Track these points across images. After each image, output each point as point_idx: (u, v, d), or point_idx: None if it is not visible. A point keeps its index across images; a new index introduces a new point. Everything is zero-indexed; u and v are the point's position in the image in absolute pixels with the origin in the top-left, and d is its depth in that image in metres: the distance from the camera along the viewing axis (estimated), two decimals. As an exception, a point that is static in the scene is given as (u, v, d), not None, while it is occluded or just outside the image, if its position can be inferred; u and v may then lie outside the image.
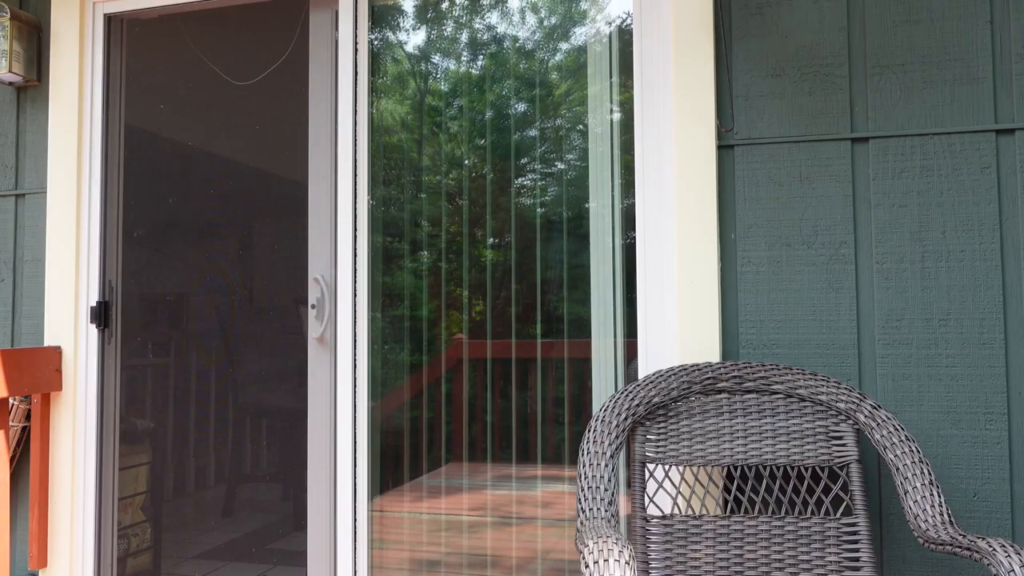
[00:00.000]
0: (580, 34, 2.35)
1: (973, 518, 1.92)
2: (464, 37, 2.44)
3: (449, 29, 2.45)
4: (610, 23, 2.32)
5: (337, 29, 2.47)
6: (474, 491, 2.36)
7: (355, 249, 2.42)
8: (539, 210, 2.34)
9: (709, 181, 2.08)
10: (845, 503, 1.91)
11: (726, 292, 2.09)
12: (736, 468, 2.00)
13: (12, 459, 2.57)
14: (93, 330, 2.63)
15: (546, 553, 2.29)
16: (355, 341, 2.40)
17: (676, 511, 1.90)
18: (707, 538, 1.85)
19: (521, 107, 2.38)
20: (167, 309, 2.74)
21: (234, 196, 2.71)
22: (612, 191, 2.27)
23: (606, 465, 1.79)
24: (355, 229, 2.42)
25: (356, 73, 2.45)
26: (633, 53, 2.23)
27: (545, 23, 2.39)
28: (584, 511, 1.72)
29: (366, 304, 2.41)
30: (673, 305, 2.13)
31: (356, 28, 2.45)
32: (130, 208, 2.76)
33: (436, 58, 2.46)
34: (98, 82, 2.65)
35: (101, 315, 2.64)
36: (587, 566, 1.41)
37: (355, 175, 2.43)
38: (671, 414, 1.93)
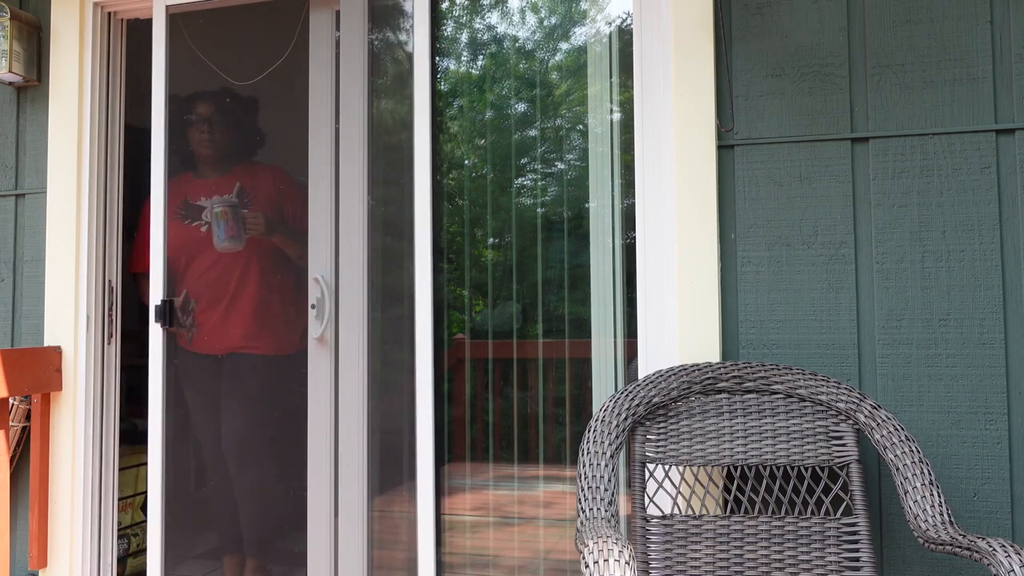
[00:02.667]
0: (580, 34, 2.35)
1: (973, 518, 1.92)
2: (464, 37, 2.44)
3: (449, 29, 2.45)
4: (610, 23, 2.32)
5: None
6: (474, 491, 2.36)
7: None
8: (539, 210, 2.34)
9: (709, 181, 2.08)
10: (845, 503, 1.91)
11: (726, 292, 2.09)
12: (736, 468, 2.00)
13: (12, 459, 2.57)
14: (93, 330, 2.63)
15: (547, 553, 2.29)
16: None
17: (676, 511, 1.90)
18: (707, 538, 1.85)
19: (521, 107, 2.38)
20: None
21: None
22: (612, 191, 2.27)
23: (606, 465, 1.79)
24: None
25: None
26: (633, 53, 2.22)
27: (545, 23, 2.39)
28: (584, 511, 1.72)
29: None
30: (673, 305, 2.13)
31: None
32: (130, 208, 2.76)
33: (436, 58, 2.46)
34: (98, 82, 2.65)
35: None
36: (587, 566, 1.41)
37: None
38: (671, 414, 1.93)
